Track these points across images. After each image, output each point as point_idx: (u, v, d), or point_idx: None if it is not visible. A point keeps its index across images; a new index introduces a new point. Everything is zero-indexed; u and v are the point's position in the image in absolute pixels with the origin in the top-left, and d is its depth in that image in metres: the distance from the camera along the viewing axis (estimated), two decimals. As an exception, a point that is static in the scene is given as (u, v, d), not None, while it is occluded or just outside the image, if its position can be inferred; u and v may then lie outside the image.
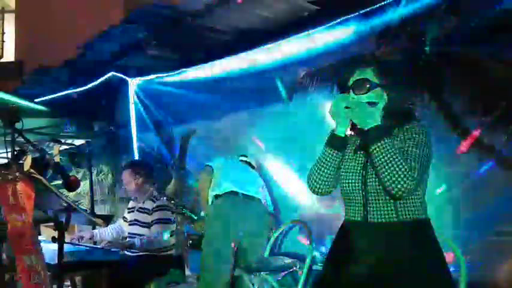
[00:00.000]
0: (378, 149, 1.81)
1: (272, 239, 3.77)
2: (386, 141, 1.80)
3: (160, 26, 4.36)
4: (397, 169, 1.76)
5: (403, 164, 1.77)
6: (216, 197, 3.70)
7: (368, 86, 1.91)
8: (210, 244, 3.56)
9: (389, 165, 1.78)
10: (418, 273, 1.82)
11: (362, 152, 1.94)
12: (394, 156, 1.78)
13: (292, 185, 4.10)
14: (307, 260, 3.30)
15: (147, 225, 3.98)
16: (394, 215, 1.86)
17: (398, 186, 1.77)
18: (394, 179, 1.77)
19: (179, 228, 4.28)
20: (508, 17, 2.78)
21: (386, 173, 1.79)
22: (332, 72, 3.63)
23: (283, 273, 3.28)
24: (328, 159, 1.96)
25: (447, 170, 3.08)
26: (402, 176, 1.76)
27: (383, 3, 3.36)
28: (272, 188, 4.14)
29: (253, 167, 3.99)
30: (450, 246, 2.58)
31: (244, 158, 4.01)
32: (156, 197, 4.01)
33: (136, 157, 5.76)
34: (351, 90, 1.94)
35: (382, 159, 1.79)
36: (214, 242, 3.54)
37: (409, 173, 1.77)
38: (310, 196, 3.83)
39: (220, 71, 4.60)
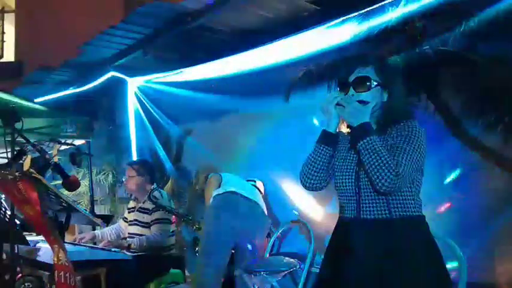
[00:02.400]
0: (363, 145, 1.84)
1: (272, 239, 3.77)
2: (372, 138, 1.83)
3: (161, 26, 4.36)
4: (381, 165, 1.79)
5: (388, 159, 1.79)
6: (216, 196, 3.71)
7: (369, 83, 1.93)
8: (207, 241, 3.56)
9: (374, 161, 1.80)
10: (412, 269, 1.84)
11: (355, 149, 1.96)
12: (379, 152, 1.80)
13: (289, 184, 4.10)
14: (307, 260, 3.30)
15: (147, 225, 3.97)
16: (386, 212, 1.88)
17: (382, 181, 1.79)
18: (378, 174, 1.80)
19: (178, 228, 4.27)
20: (507, 16, 2.78)
21: (371, 169, 1.81)
22: (331, 71, 3.63)
23: (283, 273, 3.27)
24: (318, 154, 1.99)
25: (446, 170, 3.08)
26: (386, 171, 1.78)
27: (383, 3, 3.36)
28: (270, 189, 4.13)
29: (260, 192, 3.99)
30: (449, 246, 2.58)
31: (252, 183, 4.01)
32: (156, 197, 4.01)
33: (135, 157, 5.76)
34: (351, 88, 1.95)
35: (368, 156, 1.82)
36: (212, 239, 3.53)
37: (394, 168, 1.78)
38: (307, 195, 3.84)
39: (220, 71, 4.60)
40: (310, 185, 2.04)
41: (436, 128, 3.07)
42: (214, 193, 3.71)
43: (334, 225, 2.06)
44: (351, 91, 1.95)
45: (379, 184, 1.80)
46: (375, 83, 1.94)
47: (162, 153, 5.63)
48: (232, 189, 3.65)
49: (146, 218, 3.99)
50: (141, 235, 3.93)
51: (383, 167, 1.79)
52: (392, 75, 1.99)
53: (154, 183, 4.21)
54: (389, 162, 1.79)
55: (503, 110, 2.84)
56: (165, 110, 5.47)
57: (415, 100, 3.12)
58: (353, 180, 1.93)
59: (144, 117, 5.73)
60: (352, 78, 1.96)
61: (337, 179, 2.00)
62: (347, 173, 1.96)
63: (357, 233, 1.92)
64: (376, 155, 1.80)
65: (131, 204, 4.26)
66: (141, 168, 4.15)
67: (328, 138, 1.98)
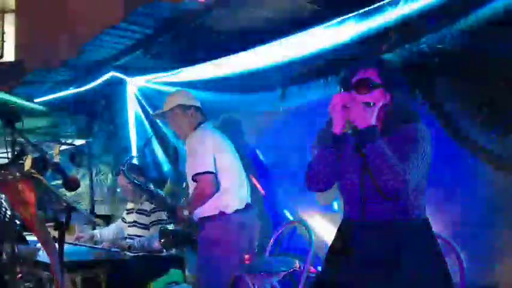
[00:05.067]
0: (371, 150, 1.82)
1: (272, 239, 3.76)
2: (378, 142, 1.82)
3: (161, 26, 4.35)
4: (389, 171, 1.78)
5: (395, 165, 1.79)
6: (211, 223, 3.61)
7: (371, 86, 1.93)
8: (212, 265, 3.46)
9: (382, 167, 1.79)
10: (416, 272, 1.83)
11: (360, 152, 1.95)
12: (386, 158, 1.79)
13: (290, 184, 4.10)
14: (307, 260, 3.30)
15: (146, 226, 3.98)
16: (391, 215, 1.88)
17: (390, 188, 1.79)
18: (386, 180, 1.79)
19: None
20: (507, 15, 2.78)
21: (379, 175, 1.80)
22: (331, 72, 3.63)
23: (283, 273, 3.27)
24: (325, 157, 1.98)
25: (446, 170, 3.08)
26: (393, 177, 1.78)
27: (382, 2, 3.36)
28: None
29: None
30: (450, 246, 2.58)
31: None
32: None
33: (135, 157, 5.75)
34: (353, 90, 1.95)
35: (375, 161, 1.81)
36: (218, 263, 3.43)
37: (401, 174, 1.78)
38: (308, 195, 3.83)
39: (220, 71, 4.60)
40: (317, 187, 2.04)
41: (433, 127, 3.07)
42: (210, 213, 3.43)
43: (338, 227, 2.05)
44: (354, 94, 1.94)
45: (387, 190, 1.80)
46: (377, 86, 1.93)
47: (161, 154, 5.61)
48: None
49: (145, 219, 3.99)
50: (140, 236, 3.94)
51: (391, 174, 1.78)
52: (394, 76, 1.99)
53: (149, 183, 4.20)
54: (397, 169, 1.78)
55: (501, 109, 2.84)
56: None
57: (417, 100, 3.12)
58: (358, 183, 1.92)
59: (143, 118, 5.72)
60: (353, 80, 1.96)
61: (342, 180, 1.99)
62: (352, 175, 1.95)
63: (360, 235, 1.91)
64: (383, 160, 1.79)
65: (130, 205, 4.26)
66: (133, 172, 4.14)
67: (333, 140, 1.96)
